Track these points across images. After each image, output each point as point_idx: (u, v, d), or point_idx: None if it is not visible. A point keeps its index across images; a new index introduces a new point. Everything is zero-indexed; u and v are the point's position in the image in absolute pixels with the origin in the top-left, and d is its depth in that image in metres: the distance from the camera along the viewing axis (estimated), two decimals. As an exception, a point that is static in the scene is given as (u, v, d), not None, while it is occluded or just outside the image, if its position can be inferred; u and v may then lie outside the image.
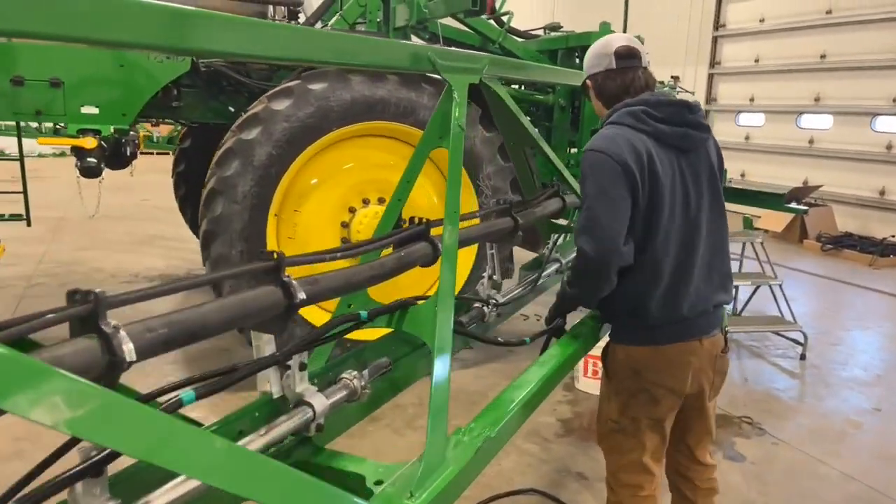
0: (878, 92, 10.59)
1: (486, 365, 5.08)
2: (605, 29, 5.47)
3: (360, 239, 4.56)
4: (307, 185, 4.49)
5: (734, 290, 5.65)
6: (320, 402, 1.41)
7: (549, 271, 2.97)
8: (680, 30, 13.91)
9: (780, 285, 5.73)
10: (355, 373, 1.57)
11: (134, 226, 10.03)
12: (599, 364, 4.76)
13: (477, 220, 2.27)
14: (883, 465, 3.85)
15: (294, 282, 1.28)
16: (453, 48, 1.99)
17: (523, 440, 3.93)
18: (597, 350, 3.38)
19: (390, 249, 1.82)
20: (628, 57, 2.20)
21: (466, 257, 4.68)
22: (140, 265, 7.69)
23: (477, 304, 2.19)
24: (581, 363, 4.70)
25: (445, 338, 1.54)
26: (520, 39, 6.39)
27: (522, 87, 6.77)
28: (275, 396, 1.42)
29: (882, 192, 10.62)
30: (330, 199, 4.54)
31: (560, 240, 3.04)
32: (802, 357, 5.55)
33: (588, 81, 2.28)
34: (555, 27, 6.66)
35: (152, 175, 10.70)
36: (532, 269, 2.93)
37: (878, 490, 3.57)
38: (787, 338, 5.81)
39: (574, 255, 2.16)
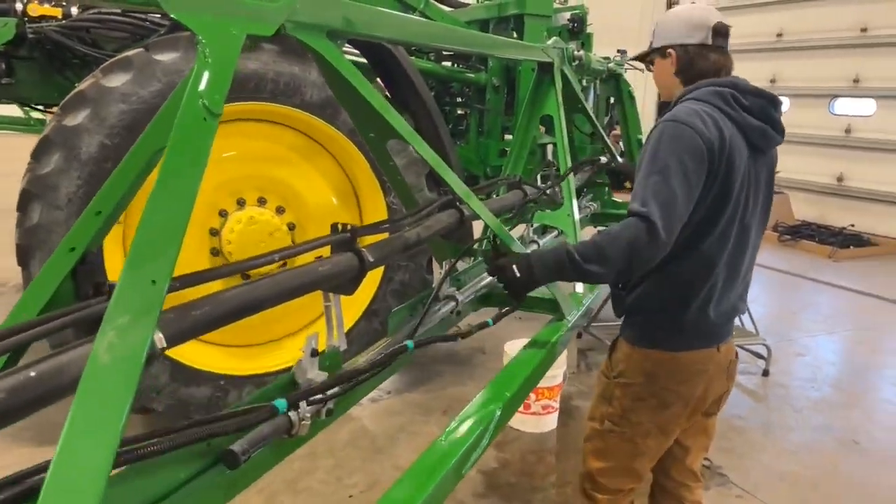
0: (836, 72, 10.04)
1: (402, 395, 4.25)
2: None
3: (232, 252, 3.64)
4: (165, 182, 3.54)
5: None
6: None
7: (444, 312, 2.11)
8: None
9: (741, 290, 5.03)
10: None
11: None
12: (532, 395, 4.06)
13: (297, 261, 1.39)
14: (870, 527, 3.15)
15: None
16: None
17: (432, 506, 3.10)
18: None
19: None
20: (725, 36, 2.02)
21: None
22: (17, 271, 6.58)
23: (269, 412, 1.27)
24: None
25: None
26: (447, 8, 5.51)
27: (457, 65, 5.89)
28: None
29: (840, 179, 10.11)
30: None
31: (456, 265, 2.18)
32: (765, 373, 4.87)
33: (673, 51, 2.03)
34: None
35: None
36: (405, 318, 2.03)
37: (869, 567, 2.87)
38: (748, 350, 5.12)
39: (621, 223, 1.73)
